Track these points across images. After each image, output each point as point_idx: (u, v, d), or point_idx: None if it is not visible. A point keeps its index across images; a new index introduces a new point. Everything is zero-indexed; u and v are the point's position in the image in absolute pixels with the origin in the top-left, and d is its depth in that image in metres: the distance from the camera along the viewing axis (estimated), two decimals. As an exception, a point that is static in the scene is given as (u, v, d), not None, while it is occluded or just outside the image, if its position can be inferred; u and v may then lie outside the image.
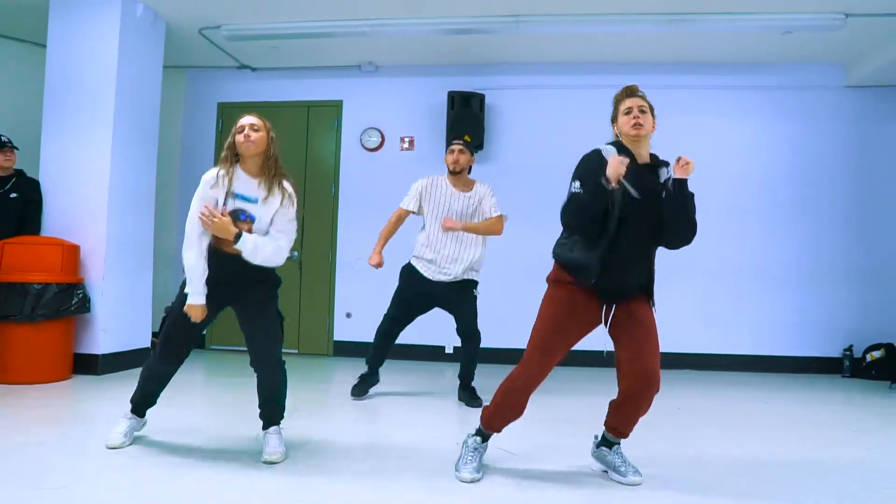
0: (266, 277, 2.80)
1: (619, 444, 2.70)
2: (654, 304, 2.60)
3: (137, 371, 4.74)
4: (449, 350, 6.03)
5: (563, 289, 2.55)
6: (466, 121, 5.89)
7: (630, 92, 2.65)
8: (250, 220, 2.71)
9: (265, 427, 2.86)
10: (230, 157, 2.74)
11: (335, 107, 6.39)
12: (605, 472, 2.69)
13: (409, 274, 4.12)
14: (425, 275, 4.04)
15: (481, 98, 5.99)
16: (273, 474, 2.56)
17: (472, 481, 2.56)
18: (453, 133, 5.89)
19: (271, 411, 2.87)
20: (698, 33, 5.22)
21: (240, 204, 2.70)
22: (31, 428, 3.18)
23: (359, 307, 6.21)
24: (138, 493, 2.29)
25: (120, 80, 4.80)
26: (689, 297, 5.81)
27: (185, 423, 3.31)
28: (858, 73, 5.74)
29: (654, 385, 2.50)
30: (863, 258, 5.84)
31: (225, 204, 2.68)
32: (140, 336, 5.11)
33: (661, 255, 2.62)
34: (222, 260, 2.70)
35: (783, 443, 3.30)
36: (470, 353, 4.12)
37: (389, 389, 4.45)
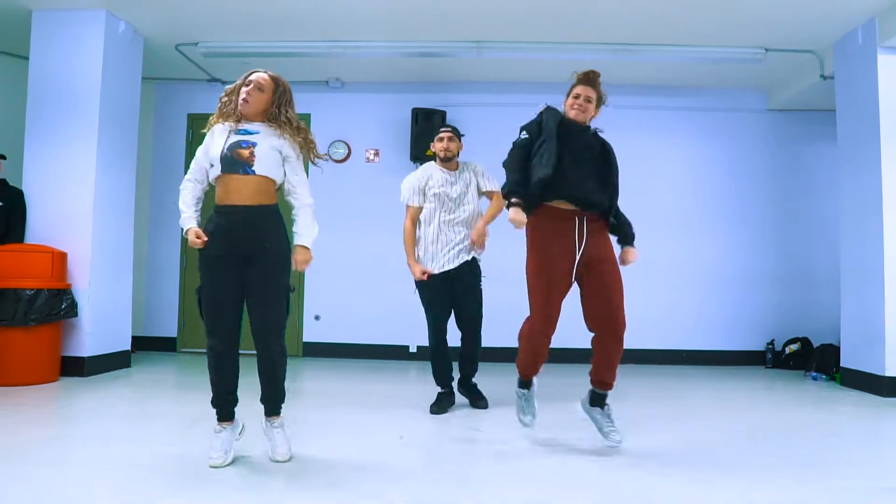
0: (277, 234, 2.75)
1: (606, 400, 2.96)
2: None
3: (120, 372, 5.08)
4: (413, 349, 6.43)
5: (537, 222, 2.86)
6: (429, 135, 6.29)
7: (586, 80, 3.01)
8: (252, 145, 2.69)
9: (268, 413, 2.78)
10: (231, 111, 2.78)
11: (303, 120, 6.66)
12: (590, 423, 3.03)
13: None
14: (435, 271, 3.84)
15: (443, 114, 6.43)
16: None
17: (527, 425, 3.02)
18: (417, 146, 6.33)
19: (271, 393, 2.77)
20: (641, 61, 5.81)
21: (240, 136, 2.71)
22: (53, 422, 3.42)
23: (327, 310, 6.55)
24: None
25: (104, 93, 5.00)
26: (629, 297, 6.28)
27: (195, 413, 3.58)
28: (778, 99, 6.47)
29: (619, 324, 2.88)
30: (782, 263, 6.56)
31: (227, 140, 2.70)
32: (121, 339, 5.33)
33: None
34: (226, 213, 2.68)
35: (721, 423, 3.84)
36: (473, 342, 3.95)
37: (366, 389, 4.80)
